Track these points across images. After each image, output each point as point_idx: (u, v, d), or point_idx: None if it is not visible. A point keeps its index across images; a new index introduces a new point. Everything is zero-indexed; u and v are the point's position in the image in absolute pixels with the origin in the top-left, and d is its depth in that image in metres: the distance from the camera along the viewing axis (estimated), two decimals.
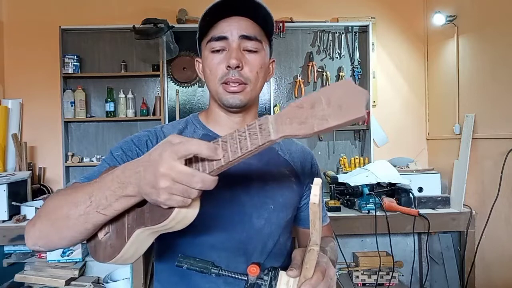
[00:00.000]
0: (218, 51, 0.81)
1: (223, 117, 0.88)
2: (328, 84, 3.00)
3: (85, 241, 0.68)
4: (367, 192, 2.40)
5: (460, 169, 2.44)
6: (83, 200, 0.60)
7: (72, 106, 2.86)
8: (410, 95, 3.12)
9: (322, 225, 0.99)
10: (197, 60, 0.91)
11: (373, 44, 3.02)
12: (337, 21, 3.03)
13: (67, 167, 2.91)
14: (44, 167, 2.98)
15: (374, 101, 3.02)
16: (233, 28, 0.80)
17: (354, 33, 3.02)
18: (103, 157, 0.83)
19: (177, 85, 2.99)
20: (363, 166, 2.75)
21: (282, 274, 0.66)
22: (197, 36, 0.87)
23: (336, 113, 0.48)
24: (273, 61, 0.91)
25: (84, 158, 2.95)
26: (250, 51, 0.81)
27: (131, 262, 0.66)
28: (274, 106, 2.99)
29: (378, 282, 2.41)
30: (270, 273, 0.66)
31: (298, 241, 1.03)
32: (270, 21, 0.82)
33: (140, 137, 0.85)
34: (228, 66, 0.79)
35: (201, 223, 0.75)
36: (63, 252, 2.38)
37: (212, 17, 0.80)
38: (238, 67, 0.79)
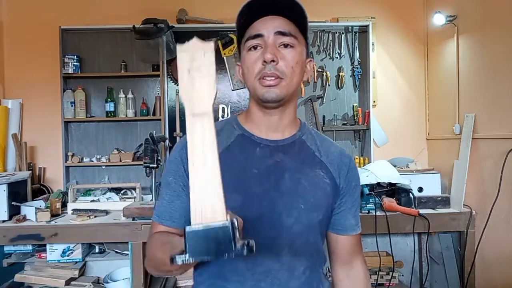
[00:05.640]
0: (255, 48, 0.84)
1: (260, 116, 0.89)
2: (328, 85, 3.02)
3: None
4: (367, 192, 2.40)
5: (460, 169, 2.44)
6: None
7: (72, 106, 2.86)
8: (410, 95, 3.12)
9: (350, 234, 0.96)
10: (237, 64, 0.92)
11: (373, 44, 3.02)
12: (337, 21, 3.03)
13: (67, 167, 2.91)
14: (44, 167, 2.98)
15: (374, 101, 3.02)
16: (268, 25, 0.83)
17: (354, 33, 3.02)
18: (160, 188, 0.92)
19: (177, 85, 2.99)
20: (363, 166, 2.75)
21: None
22: (236, 40, 0.89)
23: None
24: (310, 60, 0.92)
25: (84, 158, 2.95)
26: (286, 46, 0.83)
27: None
28: None
29: (378, 282, 2.41)
30: None
31: (328, 244, 1.00)
32: (304, 19, 0.84)
33: (176, 151, 0.90)
34: (264, 61, 0.81)
35: None
36: (63, 252, 2.39)
37: (247, 18, 0.84)
38: (273, 61, 0.81)
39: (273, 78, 0.82)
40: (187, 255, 0.54)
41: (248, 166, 0.87)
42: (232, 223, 0.55)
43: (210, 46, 0.62)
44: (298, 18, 0.84)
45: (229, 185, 0.80)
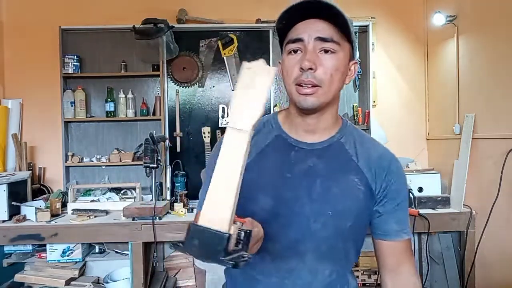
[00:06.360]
0: (295, 52, 0.82)
1: (298, 119, 0.89)
2: None
3: None
4: None
5: (460, 169, 2.44)
6: None
7: (72, 106, 2.86)
8: (410, 95, 3.12)
9: (393, 239, 0.93)
10: (279, 62, 0.91)
11: (373, 44, 3.02)
12: None
13: (67, 167, 2.91)
14: (44, 167, 2.98)
15: (374, 101, 3.02)
16: (309, 29, 0.81)
17: (354, 33, 3.01)
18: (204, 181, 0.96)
19: (177, 85, 2.99)
20: None
21: None
22: (278, 39, 0.89)
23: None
24: (355, 62, 0.89)
25: (84, 158, 2.95)
26: (326, 52, 0.81)
27: None
28: (274, 106, 2.99)
29: (378, 282, 2.41)
30: None
31: (374, 250, 0.99)
32: (345, 23, 0.82)
33: (218, 146, 0.91)
34: (301, 68, 0.80)
35: (262, 215, 0.82)
36: (63, 252, 2.39)
37: (288, 21, 0.83)
38: (311, 69, 0.80)
39: (309, 86, 0.80)
40: (183, 245, 0.59)
41: (281, 170, 0.88)
42: (230, 236, 0.59)
43: (272, 71, 0.66)
44: (341, 22, 0.82)
45: (262, 188, 0.88)
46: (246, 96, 0.64)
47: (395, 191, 0.91)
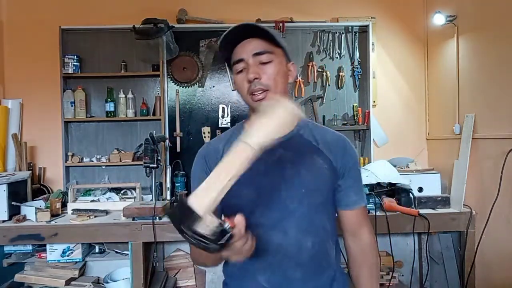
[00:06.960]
0: (241, 71, 1.01)
1: None
2: (328, 85, 3.03)
3: None
4: (367, 192, 2.40)
5: (460, 169, 2.44)
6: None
7: (72, 106, 2.86)
8: (410, 95, 3.12)
9: (353, 208, 1.09)
10: (231, 77, 1.03)
11: (373, 44, 3.02)
12: (337, 21, 3.03)
13: (67, 167, 2.91)
14: (44, 167, 2.98)
15: (374, 101, 3.02)
16: (246, 49, 1.00)
17: (354, 33, 3.02)
18: (191, 181, 1.15)
19: (177, 85, 2.99)
20: (363, 166, 2.75)
21: None
22: (226, 64, 1.09)
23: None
24: (292, 63, 1.07)
25: (84, 158, 2.95)
26: (264, 63, 0.99)
27: None
28: None
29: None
30: None
31: (338, 219, 1.13)
32: (272, 36, 0.99)
33: (204, 149, 1.16)
34: (249, 81, 0.98)
35: (247, 206, 0.98)
36: (63, 252, 2.39)
37: (226, 48, 1.02)
38: (256, 78, 0.98)
39: (260, 92, 0.98)
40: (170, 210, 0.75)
41: (256, 165, 1.00)
42: (199, 217, 0.69)
43: (298, 116, 0.81)
44: (270, 35, 0.98)
45: (243, 184, 0.95)
46: (266, 122, 0.77)
47: (353, 167, 1.08)
